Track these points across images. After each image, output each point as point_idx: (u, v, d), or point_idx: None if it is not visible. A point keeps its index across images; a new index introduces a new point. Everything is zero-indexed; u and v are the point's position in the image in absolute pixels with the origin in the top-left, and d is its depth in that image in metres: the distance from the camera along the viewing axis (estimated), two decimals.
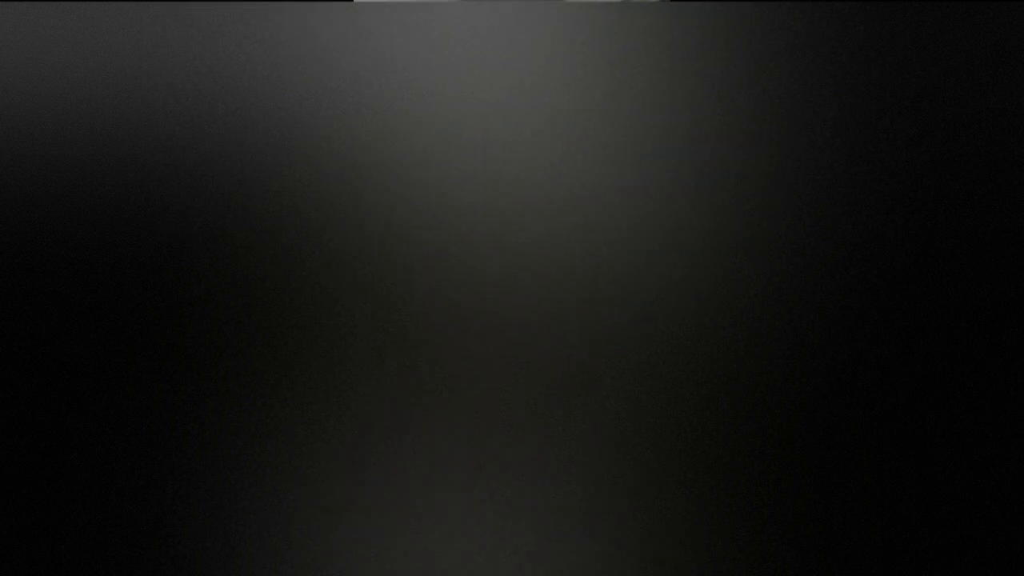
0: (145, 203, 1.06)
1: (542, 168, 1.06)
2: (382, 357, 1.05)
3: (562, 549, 1.05)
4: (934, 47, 1.06)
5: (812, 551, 1.05)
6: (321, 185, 1.06)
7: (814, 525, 1.04)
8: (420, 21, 1.07)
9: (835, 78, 1.06)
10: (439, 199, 1.06)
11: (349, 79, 1.06)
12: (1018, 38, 1.06)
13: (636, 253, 1.05)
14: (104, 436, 1.05)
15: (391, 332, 1.05)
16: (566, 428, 1.05)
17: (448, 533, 1.05)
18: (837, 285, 1.05)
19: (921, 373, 1.04)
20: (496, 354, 1.05)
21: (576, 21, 1.06)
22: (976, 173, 1.05)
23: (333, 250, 1.06)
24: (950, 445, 1.04)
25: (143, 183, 1.06)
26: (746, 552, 1.05)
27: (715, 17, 1.06)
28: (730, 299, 1.05)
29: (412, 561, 1.05)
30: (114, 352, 1.05)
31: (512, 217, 1.06)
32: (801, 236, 1.05)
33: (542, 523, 1.05)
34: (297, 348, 1.05)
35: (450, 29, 1.07)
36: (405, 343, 1.05)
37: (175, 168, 1.06)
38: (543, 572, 1.05)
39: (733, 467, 1.04)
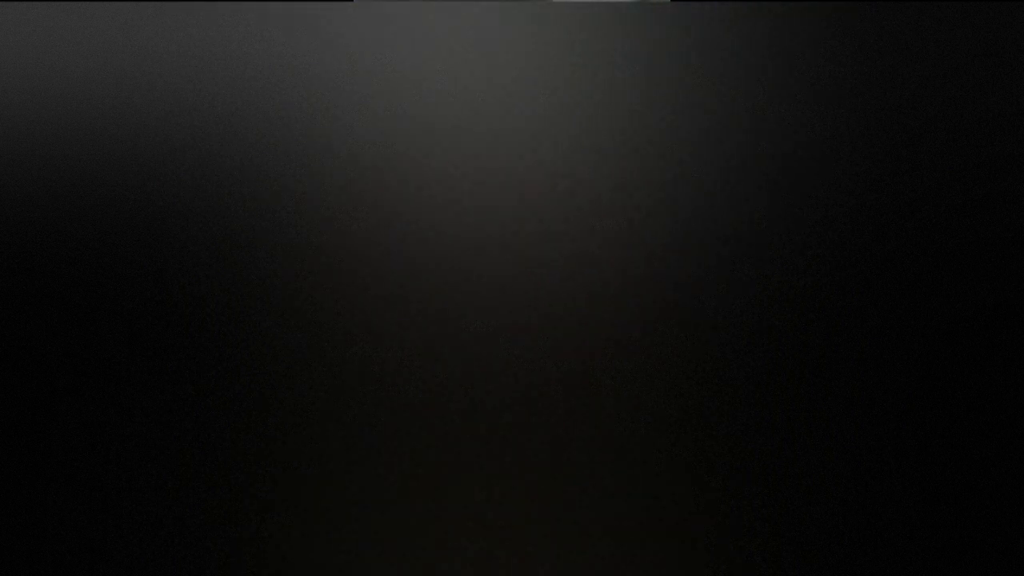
0: (145, 203, 1.06)
1: (543, 168, 1.06)
2: (382, 356, 1.05)
3: (563, 549, 1.05)
4: (934, 47, 1.06)
5: (812, 551, 1.05)
6: (321, 184, 1.06)
7: (815, 525, 1.05)
8: (420, 21, 1.07)
9: (836, 77, 1.06)
10: (439, 198, 1.06)
11: (349, 79, 1.06)
12: (1018, 38, 1.06)
13: (637, 252, 1.06)
14: (104, 436, 1.05)
15: (390, 331, 1.06)
16: (566, 427, 1.05)
17: (447, 533, 1.05)
18: (837, 285, 1.05)
19: (921, 373, 1.04)
20: (495, 352, 1.05)
21: (580, 21, 1.06)
22: (975, 173, 1.05)
23: (333, 249, 1.06)
24: (950, 446, 1.04)
25: (143, 183, 1.06)
26: (746, 552, 1.05)
27: (719, 17, 1.06)
28: (731, 299, 1.05)
29: (412, 561, 1.05)
30: (114, 352, 1.05)
31: (513, 216, 1.06)
32: (802, 235, 1.05)
33: (542, 523, 1.05)
34: (297, 347, 1.05)
35: (450, 29, 1.07)
36: (404, 342, 1.05)
37: (175, 168, 1.06)
38: (543, 572, 1.05)
39: (733, 467, 1.05)
